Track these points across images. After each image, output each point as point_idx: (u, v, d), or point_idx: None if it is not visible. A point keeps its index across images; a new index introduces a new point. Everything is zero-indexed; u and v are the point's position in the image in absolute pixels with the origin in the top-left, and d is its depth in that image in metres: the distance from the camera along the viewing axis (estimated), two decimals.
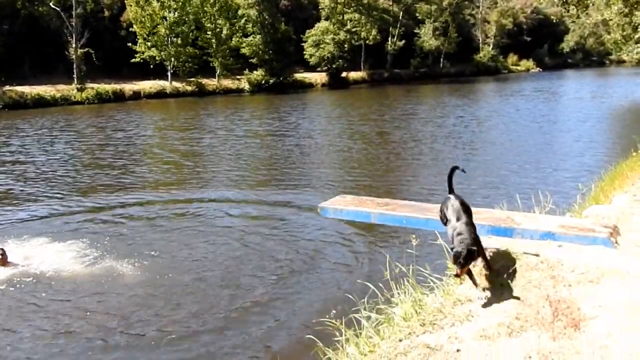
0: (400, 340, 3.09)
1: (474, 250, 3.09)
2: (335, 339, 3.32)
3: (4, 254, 7.45)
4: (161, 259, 7.66)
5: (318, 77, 46.76)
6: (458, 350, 2.84)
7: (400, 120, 24.29)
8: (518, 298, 3.11)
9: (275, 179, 13.42)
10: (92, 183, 13.17)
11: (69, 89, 33.51)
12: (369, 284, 3.59)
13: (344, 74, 47.82)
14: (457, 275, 3.17)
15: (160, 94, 37.27)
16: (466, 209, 3.35)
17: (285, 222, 9.60)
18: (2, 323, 5.88)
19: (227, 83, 41.67)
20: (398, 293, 3.50)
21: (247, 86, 41.89)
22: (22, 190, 12.46)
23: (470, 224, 3.26)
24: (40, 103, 31.59)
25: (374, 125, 22.99)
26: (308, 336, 3.41)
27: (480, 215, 3.80)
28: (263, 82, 42.18)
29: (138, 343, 5.35)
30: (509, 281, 3.29)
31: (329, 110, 30.90)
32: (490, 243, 3.69)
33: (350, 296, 3.81)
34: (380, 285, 3.53)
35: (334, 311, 4.03)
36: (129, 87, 36.23)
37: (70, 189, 12.58)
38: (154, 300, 6.31)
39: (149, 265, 7.37)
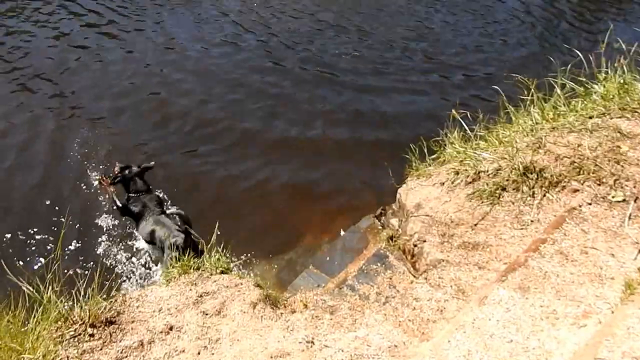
0: (590, 117, 2.93)
1: None
2: (521, 97, 3.23)
3: None
4: None
5: None
6: None
7: None
8: None
9: None
10: None
11: None
12: (577, 50, 3.25)
13: None
14: None
15: None
16: None
17: None
18: None
19: None
20: (607, 71, 3.17)
21: None
22: None
23: None
24: None
25: None
26: (494, 86, 3.34)
27: None
28: None
29: None
30: None
31: None
32: None
33: (550, 58, 3.54)
34: (590, 57, 3.19)
35: (526, 70, 3.83)
36: None
37: None
38: None
39: None
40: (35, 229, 3.78)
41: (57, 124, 4.78)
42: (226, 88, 5.43)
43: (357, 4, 7.17)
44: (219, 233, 2.64)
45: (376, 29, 6.65)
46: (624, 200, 2.39)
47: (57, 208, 3.98)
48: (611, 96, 3.02)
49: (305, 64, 5.88)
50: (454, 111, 3.22)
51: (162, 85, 5.40)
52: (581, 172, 2.58)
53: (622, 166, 2.53)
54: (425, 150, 3.36)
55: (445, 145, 3.33)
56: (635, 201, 2.36)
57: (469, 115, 3.24)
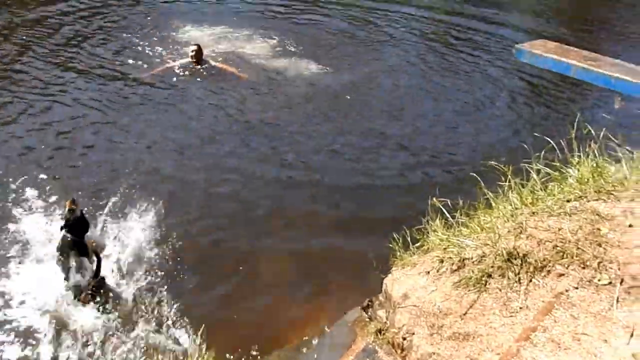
0: (568, 201, 2.98)
1: None
2: (499, 182, 3.29)
3: (199, 50, 7.87)
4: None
5: None
6: (630, 226, 2.68)
7: None
8: None
9: (466, 10, 12.61)
10: None
11: None
12: (548, 138, 3.38)
13: None
14: None
15: None
16: None
17: (472, 59, 9.20)
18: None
19: None
20: (579, 155, 3.27)
21: None
22: None
23: None
24: None
25: None
26: (471, 174, 3.42)
27: None
28: None
29: None
30: None
31: None
32: None
33: (525, 145, 3.67)
34: (562, 143, 3.31)
35: (502, 156, 3.94)
36: None
37: None
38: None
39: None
40: None
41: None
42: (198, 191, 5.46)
43: (330, 97, 7.48)
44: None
45: (352, 120, 6.89)
46: (610, 283, 2.37)
47: None
48: (586, 179, 3.09)
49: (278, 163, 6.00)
50: (434, 199, 3.26)
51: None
52: (564, 255, 2.57)
53: (604, 248, 2.53)
54: (409, 239, 3.37)
55: (428, 233, 3.34)
56: (620, 283, 2.34)
57: (449, 202, 3.28)
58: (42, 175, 5.28)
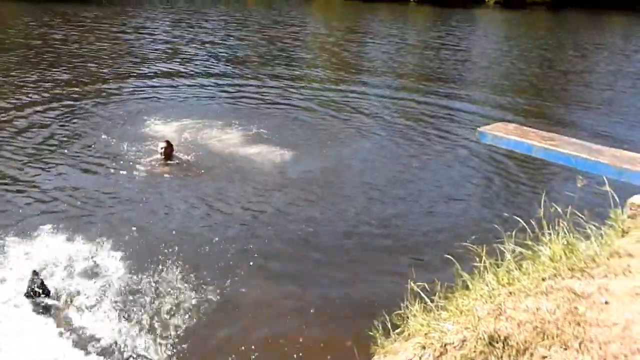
0: (543, 280, 3.00)
1: None
2: (474, 264, 3.32)
3: (168, 145, 7.83)
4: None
5: None
6: (606, 303, 2.70)
7: (582, 50, 21.87)
8: None
9: (431, 90, 13.26)
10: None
11: None
12: (518, 218, 3.46)
13: None
14: None
15: None
16: None
17: (437, 141, 9.54)
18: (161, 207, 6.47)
19: None
20: (549, 233, 3.34)
21: None
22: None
23: None
24: None
25: (550, 53, 21.07)
26: (447, 256, 3.44)
27: None
28: None
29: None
30: None
31: (498, 30, 28.76)
32: None
33: (496, 226, 3.75)
34: (531, 222, 3.39)
35: (475, 237, 4.01)
36: None
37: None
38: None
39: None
40: None
41: None
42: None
43: (304, 183, 7.57)
44: None
45: (326, 205, 6.94)
46: None
47: None
48: (558, 257, 3.14)
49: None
50: (411, 283, 3.25)
51: None
52: (545, 337, 2.55)
53: (584, 328, 2.53)
54: (389, 325, 3.30)
55: (408, 318, 3.29)
56: None
57: (426, 286, 3.27)
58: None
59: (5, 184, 7.12)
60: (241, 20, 25.12)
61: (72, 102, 10.70)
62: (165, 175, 7.56)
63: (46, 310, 4.69)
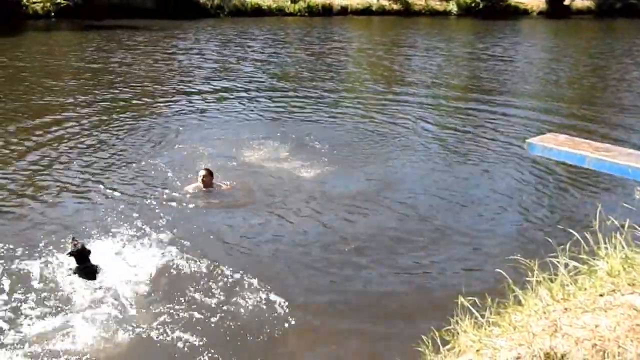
0: (601, 295, 2.88)
1: None
2: (527, 278, 3.22)
3: (208, 174, 7.49)
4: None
5: (535, 4, 42.27)
6: None
7: (635, 57, 21.16)
8: None
9: (482, 99, 13.21)
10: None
11: (283, 0, 35.43)
12: (572, 231, 3.34)
13: (566, 1, 42.45)
14: None
15: (366, 11, 37.46)
16: None
17: (486, 153, 9.40)
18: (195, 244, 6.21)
19: (434, 4, 40.02)
20: (606, 247, 3.21)
21: (454, 9, 39.78)
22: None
23: None
24: (258, 12, 34.14)
25: (602, 61, 20.49)
26: (497, 270, 3.36)
27: None
28: (473, 4, 39.59)
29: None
30: None
31: (545, 39, 28.18)
32: None
33: (549, 240, 3.63)
34: (586, 235, 3.27)
35: (526, 250, 3.90)
36: (337, 2, 36.98)
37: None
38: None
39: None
40: None
41: None
42: None
43: (347, 198, 7.53)
44: None
45: (370, 220, 6.88)
46: None
47: None
48: (617, 272, 3.01)
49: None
50: (461, 298, 3.18)
51: None
52: (605, 355, 2.44)
53: None
54: (439, 341, 3.23)
55: (458, 334, 3.21)
56: None
57: (477, 301, 3.19)
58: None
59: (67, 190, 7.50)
60: (284, 38, 25.54)
61: (131, 121, 11.07)
62: (202, 205, 7.28)
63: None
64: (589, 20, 40.21)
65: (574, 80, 16.97)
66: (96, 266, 5.61)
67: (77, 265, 5.54)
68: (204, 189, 7.56)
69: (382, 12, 37.96)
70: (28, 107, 12.00)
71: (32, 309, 4.99)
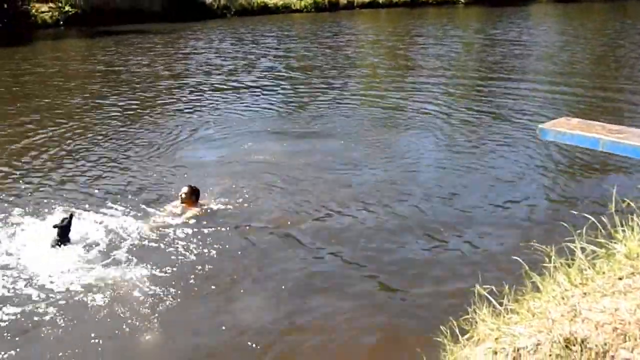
0: (620, 279, 2.85)
1: None
2: (544, 264, 3.19)
3: (189, 191, 6.75)
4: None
5: None
6: None
7: None
8: None
9: (496, 85, 13.22)
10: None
11: None
12: (588, 214, 3.30)
13: None
14: None
15: (373, 4, 37.34)
16: None
17: (503, 137, 9.38)
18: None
19: None
20: (623, 230, 3.18)
21: None
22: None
23: None
24: (264, 10, 34.20)
25: (614, 42, 20.22)
26: (514, 257, 3.33)
27: None
28: None
29: None
30: None
31: (557, 23, 27.86)
32: None
33: (564, 224, 3.58)
34: (603, 219, 3.23)
35: (542, 236, 3.86)
36: None
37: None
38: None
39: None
40: None
41: None
42: None
43: (371, 190, 7.47)
44: None
45: (393, 211, 6.80)
46: None
47: None
48: (635, 254, 2.98)
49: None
50: (478, 286, 3.17)
51: None
52: (627, 338, 2.42)
53: None
54: (457, 331, 3.23)
55: (476, 322, 3.20)
56: None
57: (494, 289, 3.18)
58: None
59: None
60: (298, 34, 25.65)
61: (160, 119, 11.30)
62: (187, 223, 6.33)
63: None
64: (600, 2, 39.59)
65: (592, 61, 16.89)
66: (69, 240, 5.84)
67: (57, 238, 5.79)
68: (187, 207, 6.71)
69: (389, 4, 37.79)
70: (62, 105, 12.53)
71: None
